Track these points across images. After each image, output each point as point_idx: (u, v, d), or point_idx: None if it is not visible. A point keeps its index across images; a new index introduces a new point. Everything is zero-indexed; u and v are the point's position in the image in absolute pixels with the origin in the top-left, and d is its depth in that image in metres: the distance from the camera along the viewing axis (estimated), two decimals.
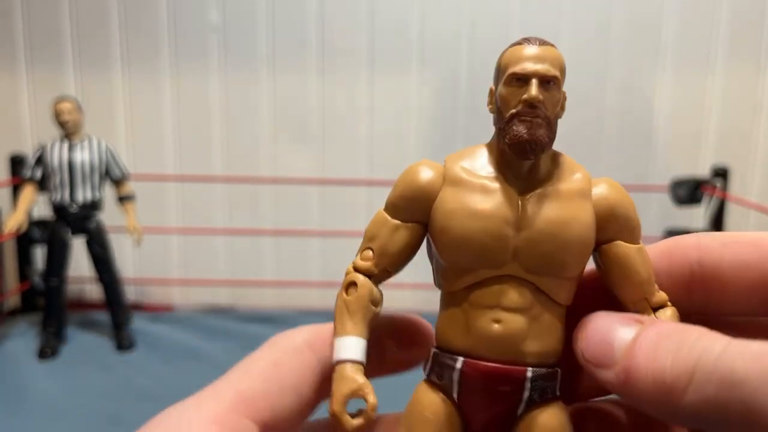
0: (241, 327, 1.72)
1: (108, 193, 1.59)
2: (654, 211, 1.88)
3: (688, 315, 0.23)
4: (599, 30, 1.82)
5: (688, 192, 1.76)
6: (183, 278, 1.95)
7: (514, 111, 0.22)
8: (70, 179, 1.50)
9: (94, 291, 1.89)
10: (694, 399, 0.16)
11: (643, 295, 0.23)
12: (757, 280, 0.21)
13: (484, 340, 0.22)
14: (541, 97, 0.22)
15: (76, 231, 1.53)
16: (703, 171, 1.83)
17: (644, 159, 1.89)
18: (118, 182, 1.56)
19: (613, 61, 1.83)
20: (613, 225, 0.23)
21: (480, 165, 0.23)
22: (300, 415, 0.22)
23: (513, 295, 0.22)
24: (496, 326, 0.22)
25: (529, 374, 0.22)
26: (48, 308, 1.53)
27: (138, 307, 1.85)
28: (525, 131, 0.22)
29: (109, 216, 1.60)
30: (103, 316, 1.65)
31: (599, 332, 0.20)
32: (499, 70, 0.23)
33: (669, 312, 0.23)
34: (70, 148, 1.50)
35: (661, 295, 0.23)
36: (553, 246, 0.22)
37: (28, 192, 1.50)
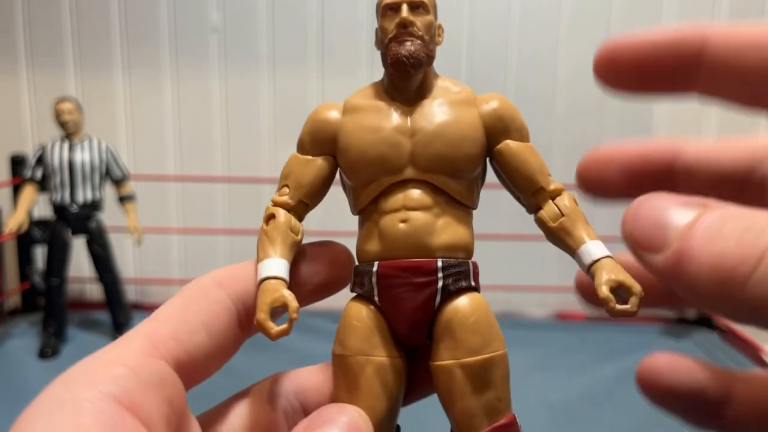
0: None
1: (108, 193, 1.59)
2: None
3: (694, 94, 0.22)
4: (599, 30, 1.82)
5: None
6: (183, 278, 1.95)
7: (391, 35, 0.25)
8: (71, 179, 1.50)
9: (94, 291, 1.89)
10: (758, 288, 0.14)
11: (538, 185, 0.25)
12: (752, 75, 0.20)
13: (394, 239, 0.24)
14: (411, 18, 0.25)
15: (77, 231, 1.53)
16: None
17: None
18: (118, 182, 1.56)
19: None
20: (499, 127, 0.26)
21: (372, 93, 0.26)
22: (219, 352, 0.22)
23: (415, 196, 0.24)
24: (402, 225, 0.24)
25: (440, 264, 0.24)
26: (48, 308, 1.53)
27: (138, 307, 1.86)
28: (401, 49, 0.25)
29: (109, 216, 1.60)
30: (104, 316, 1.65)
31: (653, 212, 0.17)
32: (378, 7, 0.26)
33: (566, 198, 0.25)
34: (71, 149, 1.51)
35: (557, 184, 0.25)
36: (443, 143, 0.24)
37: (28, 192, 1.50)
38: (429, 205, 0.24)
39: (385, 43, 0.25)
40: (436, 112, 0.25)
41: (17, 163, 1.74)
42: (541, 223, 0.25)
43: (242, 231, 1.89)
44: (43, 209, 1.72)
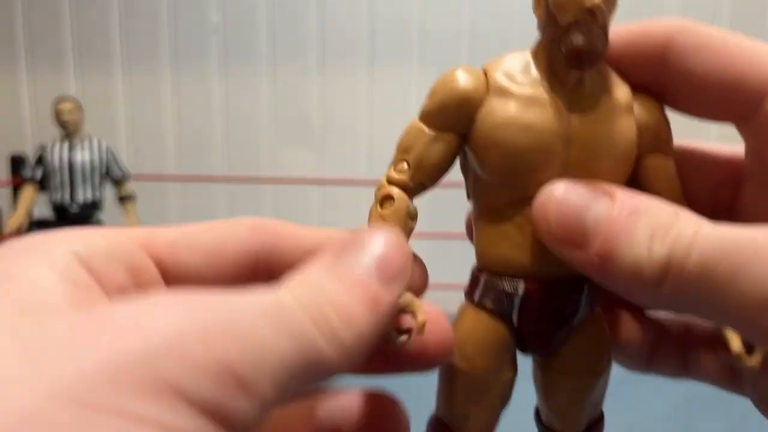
0: None
1: (108, 193, 1.59)
2: None
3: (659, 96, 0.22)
4: None
5: None
6: None
7: (572, 19, 0.21)
8: (71, 179, 1.50)
9: None
10: (670, 291, 0.16)
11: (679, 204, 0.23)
12: (718, 92, 0.20)
13: (547, 253, 0.21)
14: (603, 6, 0.20)
15: None
16: None
17: None
18: (118, 182, 1.56)
19: None
20: (653, 142, 0.23)
21: (526, 75, 0.22)
22: (216, 281, 0.20)
23: None
24: None
25: (586, 289, 0.22)
26: None
27: None
28: (584, 41, 0.21)
29: (109, 216, 1.60)
30: None
31: (570, 207, 0.19)
32: None
33: None
34: (71, 149, 1.51)
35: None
36: (600, 164, 0.22)
37: (28, 192, 1.50)
38: None
39: (561, 26, 0.21)
40: (596, 119, 0.22)
41: (17, 163, 1.74)
42: None
43: None
44: (43, 209, 1.72)
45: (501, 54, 0.22)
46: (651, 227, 0.17)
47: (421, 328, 0.19)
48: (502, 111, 0.21)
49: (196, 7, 1.84)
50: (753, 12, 1.85)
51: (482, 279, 0.23)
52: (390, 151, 0.24)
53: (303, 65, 1.84)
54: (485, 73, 0.22)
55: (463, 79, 0.22)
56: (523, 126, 0.21)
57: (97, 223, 1.55)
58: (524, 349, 0.23)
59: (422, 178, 0.22)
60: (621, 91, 0.22)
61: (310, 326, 0.15)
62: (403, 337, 0.19)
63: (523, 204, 0.22)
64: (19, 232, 1.51)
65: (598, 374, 0.23)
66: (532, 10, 0.22)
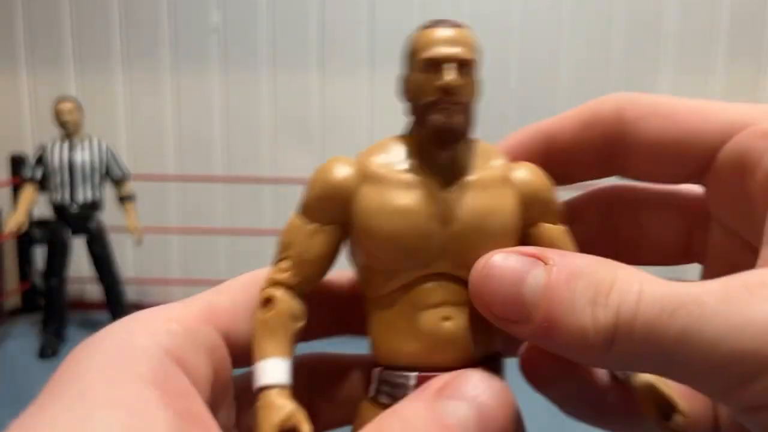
0: None
1: (108, 193, 1.59)
2: None
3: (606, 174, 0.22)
4: (600, 30, 1.82)
5: None
6: (183, 278, 1.95)
7: (430, 99, 0.21)
8: (71, 179, 1.50)
9: (94, 291, 1.89)
10: (618, 354, 0.16)
11: None
12: (673, 154, 0.20)
13: (437, 341, 0.21)
14: (458, 82, 0.21)
15: (77, 231, 1.53)
16: None
17: None
18: (118, 182, 1.56)
19: (614, 60, 1.83)
20: (537, 209, 0.22)
21: (398, 159, 0.22)
22: None
23: (453, 290, 0.21)
24: (447, 324, 0.21)
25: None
26: (48, 308, 1.53)
27: (138, 307, 1.85)
28: (444, 119, 0.21)
29: (109, 216, 1.60)
30: (103, 316, 1.65)
31: (504, 283, 0.18)
32: (411, 55, 0.22)
33: None
34: (71, 149, 1.51)
35: None
36: (481, 238, 0.21)
37: (28, 192, 1.50)
38: (467, 300, 0.21)
39: (420, 107, 0.21)
40: (472, 196, 0.21)
41: (17, 163, 1.74)
42: None
43: (242, 231, 1.89)
44: (43, 209, 1.72)
45: (376, 141, 0.22)
46: (591, 290, 0.17)
47: None
48: (376, 198, 0.21)
49: (196, 7, 1.84)
50: (753, 12, 1.85)
51: (376, 373, 0.22)
52: None
53: (303, 66, 1.84)
54: (360, 162, 0.22)
55: (337, 170, 0.22)
56: (396, 211, 0.21)
57: (97, 223, 1.55)
58: None
59: (306, 273, 0.22)
60: (497, 164, 0.22)
61: None
62: None
63: (408, 291, 0.21)
64: (18, 232, 1.51)
65: None
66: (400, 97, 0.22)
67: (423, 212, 0.21)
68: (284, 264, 0.22)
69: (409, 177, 0.22)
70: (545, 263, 0.18)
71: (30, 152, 1.64)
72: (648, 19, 1.83)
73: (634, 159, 0.21)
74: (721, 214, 0.21)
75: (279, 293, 0.21)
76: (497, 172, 0.22)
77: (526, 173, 0.23)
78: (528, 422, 0.23)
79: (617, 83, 1.83)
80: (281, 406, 0.20)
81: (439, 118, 0.21)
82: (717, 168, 0.20)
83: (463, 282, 0.21)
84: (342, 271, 0.24)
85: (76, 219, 1.52)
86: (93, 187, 1.53)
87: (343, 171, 0.22)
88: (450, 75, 0.20)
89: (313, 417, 0.21)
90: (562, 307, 0.17)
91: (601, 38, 1.83)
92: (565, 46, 1.82)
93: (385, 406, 0.21)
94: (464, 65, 0.21)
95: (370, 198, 0.21)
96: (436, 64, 0.21)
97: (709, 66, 1.86)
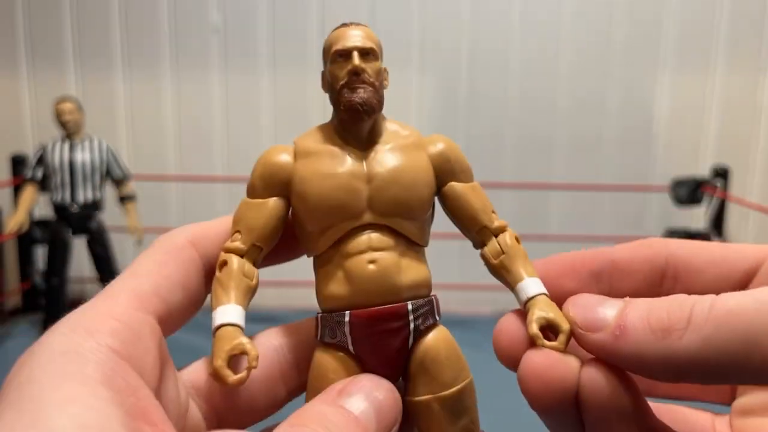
0: None
1: (109, 193, 1.59)
2: (654, 211, 1.88)
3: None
4: (600, 31, 1.83)
5: (689, 192, 1.76)
6: None
7: (342, 82, 0.26)
8: (71, 179, 1.50)
9: (95, 291, 1.88)
10: (692, 339, 0.17)
11: (482, 224, 0.26)
12: (723, 272, 0.23)
13: (364, 282, 0.24)
14: (362, 65, 0.25)
15: (77, 231, 1.53)
16: (703, 171, 1.84)
17: (644, 159, 1.89)
18: (119, 182, 1.57)
19: (614, 61, 1.83)
20: (446, 168, 0.26)
21: (325, 137, 0.27)
22: (189, 308, 0.25)
23: (378, 237, 0.25)
24: (371, 266, 0.24)
25: (410, 307, 0.25)
26: (49, 308, 1.53)
27: None
28: (355, 96, 0.25)
29: (110, 216, 1.60)
30: None
31: (589, 303, 0.21)
32: (326, 52, 0.27)
33: (508, 236, 0.26)
34: (71, 148, 1.51)
35: (501, 222, 0.27)
36: (399, 188, 0.25)
37: (29, 192, 1.50)
38: (392, 246, 0.25)
39: (336, 89, 0.26)
40: (389, 157, 0.26)
41: (17, 163, 1.74)
42: (484, 259, 0.26)
43: None
44: (43, 209, 1.72)
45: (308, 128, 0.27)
46: (668, 301, 0.19)
47: (254, 358, 0.23)
48: (308, 168, 0.26)
49: (196, 7, 1.84)
50: (753, 12, 1.85)
51: (319, 319, 0.25)
52: None
53: (303, 66, 1.84)
54: (294, 145, 0.27)
55: (275, 153, 0.27)
56: (324, 174, 0.25)
57: (98, 223, 1.55)
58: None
59: (254, 240, 0.26)
60: (410, 135, 0.27)
61: None
62: (239, 375, 0.23)
63: (340, 244, 0.25)
64: (19, 232, 1.51)
65: (454, 386, 0.25)
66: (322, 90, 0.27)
67: (347, 173, 0.25)
68: (235, 236, 0.26)
69: (334, 148, 0.26)
70: (623, 301, 0.21)
71: (30, 152, 1.64)
72: (648, 22, 1.83)
73: (683, 278, 0.24)
74: None
75: (232, 257, 0.25)
76: (410, 139, 0.27)
77: (436, 139, 0.27)
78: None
79: (616, 84, 1.84)
80: (231, 337, 0.24)
81: (349, 94, 0.25)
82: (761, 276, 0.22)
83: (388, 229, 0.25)
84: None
85: (77, 219, 1.53)
86: (94, 187, 1.53)
87: (280, 153, 0.27)
88: (356, 60, 0.25)
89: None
90: (638, 312, 0.19)
91: (601, 39, 1.83)
92: (565, 45, 1.82)
93: (330, 345, 0.25)
94: (367, 53, 0.26)
95: (303, 169, 0.26)
96: (344, 54, 0.26)
97: (709, 66, 1.87)
